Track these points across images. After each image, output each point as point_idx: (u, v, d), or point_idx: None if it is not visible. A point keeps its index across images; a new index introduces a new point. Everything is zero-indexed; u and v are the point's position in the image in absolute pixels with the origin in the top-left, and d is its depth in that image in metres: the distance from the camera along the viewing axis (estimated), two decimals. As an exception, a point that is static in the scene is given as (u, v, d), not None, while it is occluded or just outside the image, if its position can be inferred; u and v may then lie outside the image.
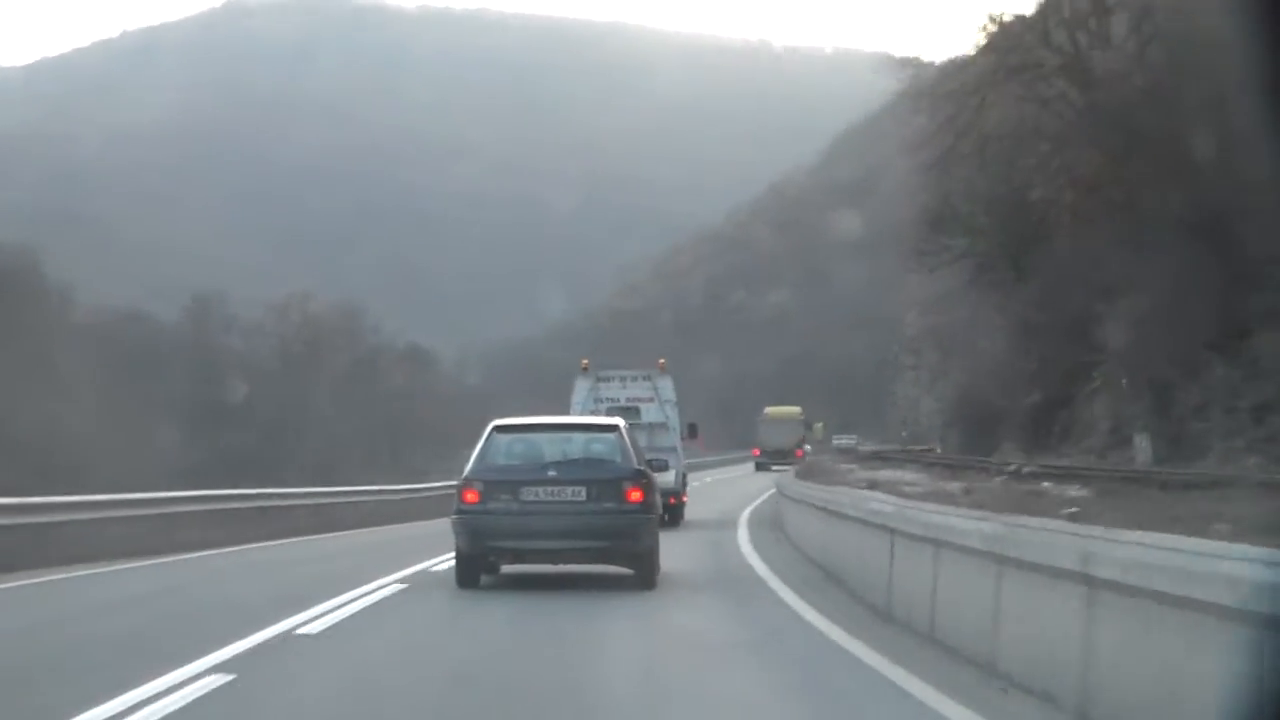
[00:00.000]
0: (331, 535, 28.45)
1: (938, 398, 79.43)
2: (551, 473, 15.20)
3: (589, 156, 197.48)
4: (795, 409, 73.51)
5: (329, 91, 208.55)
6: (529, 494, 14.98)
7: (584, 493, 15.02)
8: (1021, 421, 41.13)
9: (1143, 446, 30.33)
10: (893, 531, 12.40)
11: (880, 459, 44.44)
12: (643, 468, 15.70)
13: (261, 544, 24.90)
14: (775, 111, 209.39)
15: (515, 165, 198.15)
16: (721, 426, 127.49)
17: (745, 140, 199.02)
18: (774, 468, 64.52)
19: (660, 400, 29.73)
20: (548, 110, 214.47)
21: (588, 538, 15.05)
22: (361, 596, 14.42)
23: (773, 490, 42.42)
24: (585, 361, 31.21)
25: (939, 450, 54.57)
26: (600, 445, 15.84)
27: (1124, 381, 32.77)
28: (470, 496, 15.06)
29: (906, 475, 26.26)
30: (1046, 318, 38.32)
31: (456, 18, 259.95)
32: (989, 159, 41.84)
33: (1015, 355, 43.25)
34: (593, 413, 27.19)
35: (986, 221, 43.98)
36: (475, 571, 15.47)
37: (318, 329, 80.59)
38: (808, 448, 68.68)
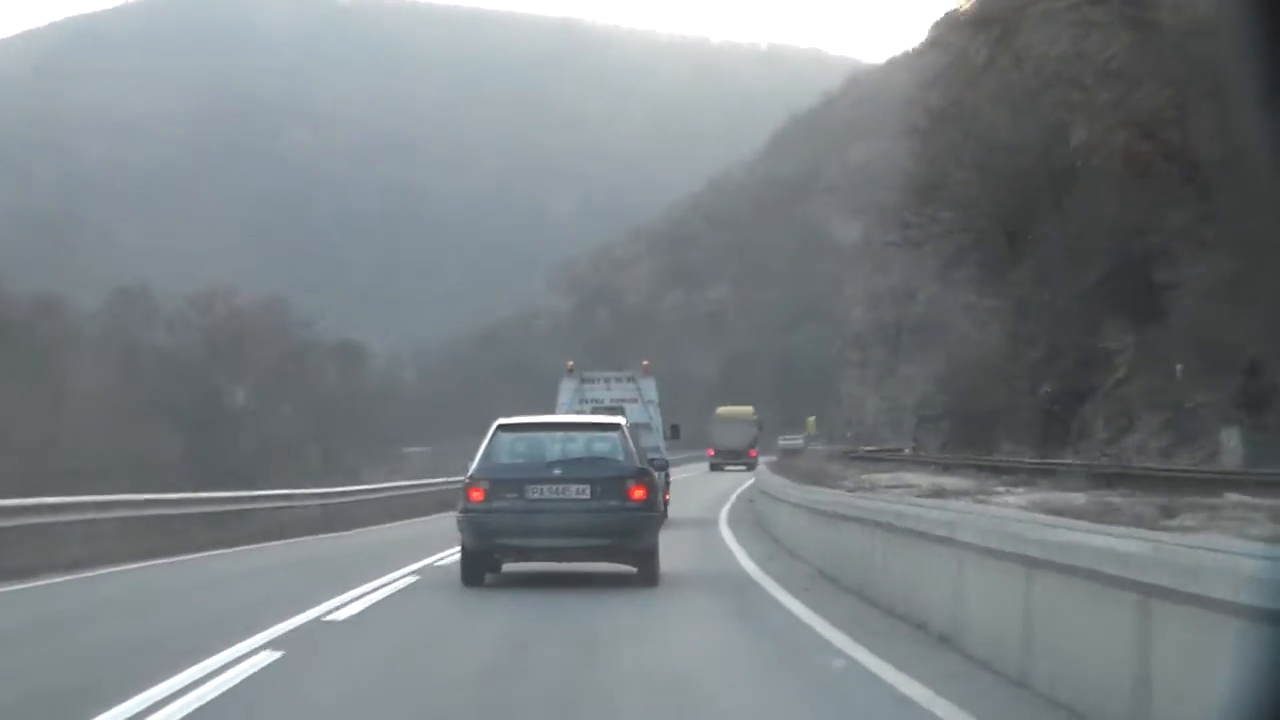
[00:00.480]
0: (290, 541, 26.43)
1: (884, 395, 77.77)
2: (556, 471, 15.40)
3: (530, 153, 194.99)
4: (748, 409, 71.75)
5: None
6: (534, 492, 15.20)
7: (588, 491, 15.20)
8: (1027, 417, 37.42)
9: (1231, 444, 26.34)
10: (1031, 563, 8.54)
11: (871, 460, 40.91)
12: (645, 466, 15.89)
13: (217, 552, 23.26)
14: (713, 108, 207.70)
15: (454, 160, 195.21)
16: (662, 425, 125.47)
17: (682, 136, 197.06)
18: (728, 468, 63.10)
19: (644, 401, 30.02)
20: (486, 106, 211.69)
21: (592, 535, 15.22)
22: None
23: (741, 490, 41.67)
24: (570, 363, 31.93)
25: (908, 451, 51.69)
26: (603, 444, 15.99)
27: (1179, 368, 28.50)
28: (476, 495, 15.28)
29: (943, 481, 23.37)
30: (1054, 297, 34.78)
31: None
32: (1018, 96, 37.21)
33: (1012, 343, 39.68)
34: (578, 413, 27.11)
35: (980, 190, 40.20)
36: (481, 569, 15.70)
37: (244, 322, 77.52)
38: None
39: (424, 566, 18.36)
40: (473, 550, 15.51)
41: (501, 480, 15.28)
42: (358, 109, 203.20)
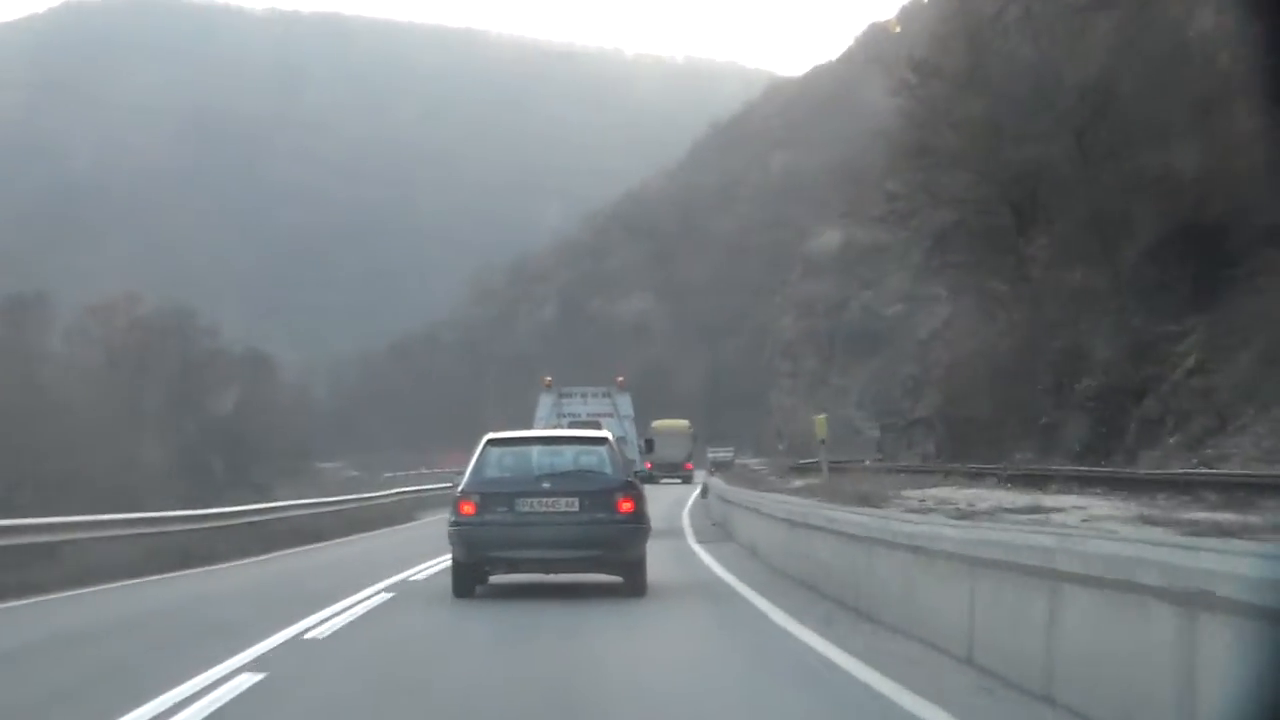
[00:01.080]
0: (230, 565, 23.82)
1: (816, 406, 75.12)
2: (545, 484, 15.56)
3: (448, 164, 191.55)
4: (683, 422, 69.83)
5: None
6: (524, 505, 15.39)
7: (577, 503, 15.39)
8: (1049, 419, 32.28)
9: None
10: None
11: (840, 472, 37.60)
12: (632, 479, 16.10)
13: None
14: (630, 121, 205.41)
15: (366, 171, 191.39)
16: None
17: (599, 148, 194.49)
18: (664, 481, 61.69)
19: (619, 415, 30.69)
20: (399, 116, 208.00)
21: (581, 547, 15.39)
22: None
23: (692, 501, 41.82)
24: (548, 379, 32.48)
25: (869, 462, 48.61)
26: (591, 457, 16.11)
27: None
28: (467, 508, 15.48)
29: (980, 493, 20.10)
30: (1085, 275, 29.99)
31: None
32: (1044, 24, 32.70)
33: (1024, 333, 34.80)
34: (556, 426, 27.78)
35: (984, 147, 35.36)
36: (471, 581, 15.90)
37: (146, 332, 73.54)
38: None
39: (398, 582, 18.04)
40: (464, 562, 15.73)
41: (492, 494, 15.51)
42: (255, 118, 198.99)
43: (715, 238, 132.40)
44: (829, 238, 79.99)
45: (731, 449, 78.18)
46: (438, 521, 33.08)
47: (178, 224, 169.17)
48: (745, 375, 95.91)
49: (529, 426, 27.85)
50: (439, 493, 47.25)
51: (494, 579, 16.44)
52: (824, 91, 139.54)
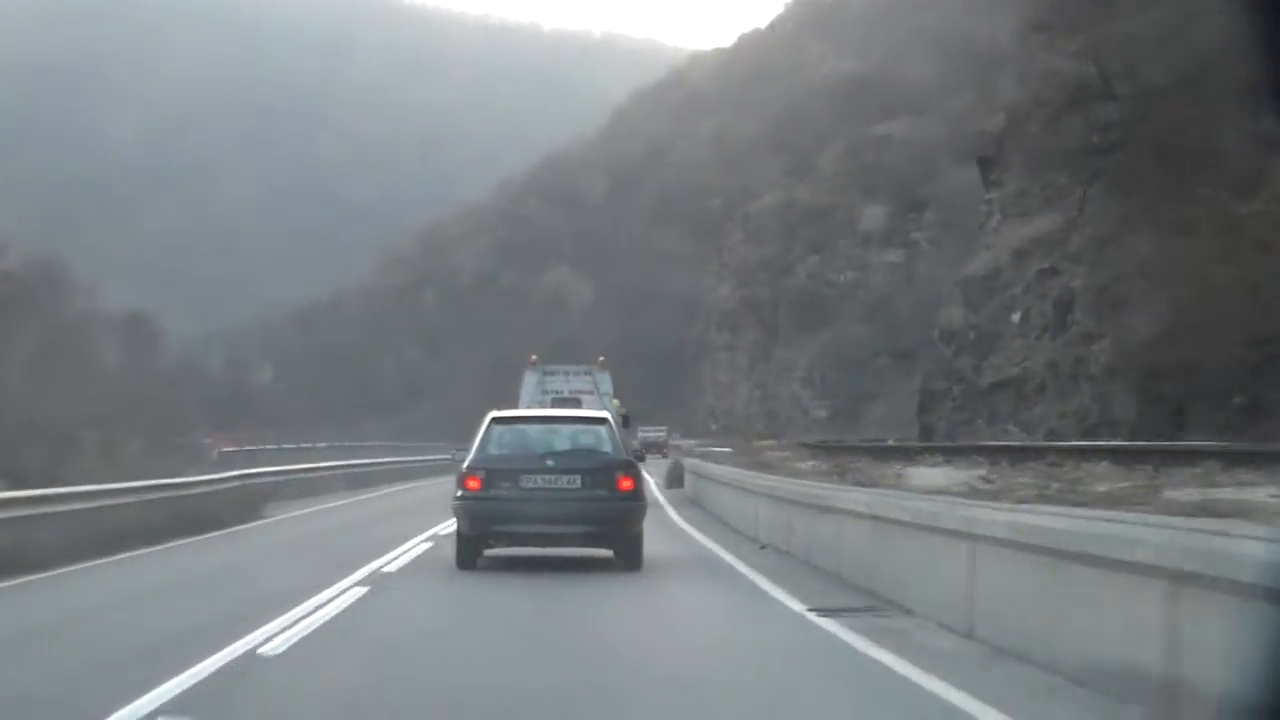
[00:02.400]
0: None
1: (757, 383, 68.09)
2: (549, 462, 16.24)
3: (352, 131, 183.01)
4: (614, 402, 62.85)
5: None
6: (528, 481, 16.09)
7: (579, 480, 16.15)
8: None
9: None
10: None
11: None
12: (630, 458, 16.92)
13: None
14: (547, 93, 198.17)
15: (266, 134, 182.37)
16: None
17: (516, 118, 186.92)
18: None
19: (599, 393, 31.17)
20: (302, 81, 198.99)
21: (582, 522, 16.12)
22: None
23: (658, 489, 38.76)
24: (534, 356, 33.29)
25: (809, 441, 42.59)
26: (591, 436, 16.91)
27: None
28: (473, 483, 16.15)
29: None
30: None
31: None
32: None
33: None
34: (539, 404, 28.82)
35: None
36: (475, 553, 16.49)
37: (11, 286, 65.05)
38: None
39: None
40: (469, 535, 16.36)
41: (497, 470, 16.18)
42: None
43: (639, 206, 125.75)
44: (769, 199, 73.64)
45: (664, 429, 71.37)
46: (294, 522, 27.89)
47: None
48: (673, 350, 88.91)
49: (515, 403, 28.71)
50: (302, 476, 39.84)
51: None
52: (753, 59, 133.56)
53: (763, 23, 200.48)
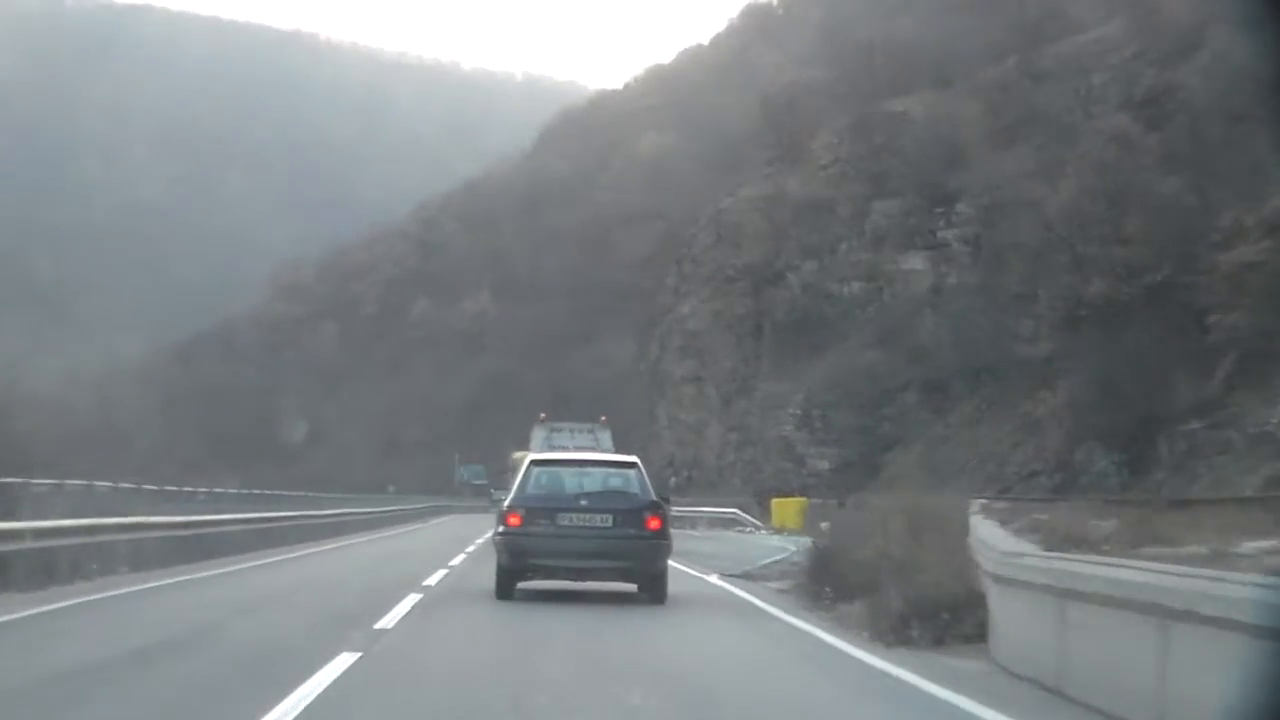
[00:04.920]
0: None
1: (731, 426, 53.91)
2: (583, 502, 17.41)
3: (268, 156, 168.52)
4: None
5: None
6: (564, 519, 17.16)
7: (610, 520, 17.18)
8: None
9: None
10: None
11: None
12: (658, 500, 17.85)
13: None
14: (471, 127, 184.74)
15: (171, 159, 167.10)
16: (398, 464, 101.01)
17: (431, 147, 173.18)
18: None
19: (600, 449, 32.42)
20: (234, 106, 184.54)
21: (613, 558, 17.17)
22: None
23: None
24: (543, 415, 37.17)
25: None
26: (620, 479, 17.99)
27: None
28: (514, 520, 17.28)
29: None
30: None
31: None
32: None
33: None
34: None
35: None
36: (513, 584, 17.45)
37: None
38: None
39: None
40: (509, 568, 17.38)
41: (536, 509, 17.26)
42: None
43: (568, 231, 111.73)
44: (750, 193, 59.90)
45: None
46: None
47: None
48: (618, 387, 74.52)
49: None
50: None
51: None
52: (695, 75, 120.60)
53: (704, 39, 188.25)
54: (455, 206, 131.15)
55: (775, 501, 47.13)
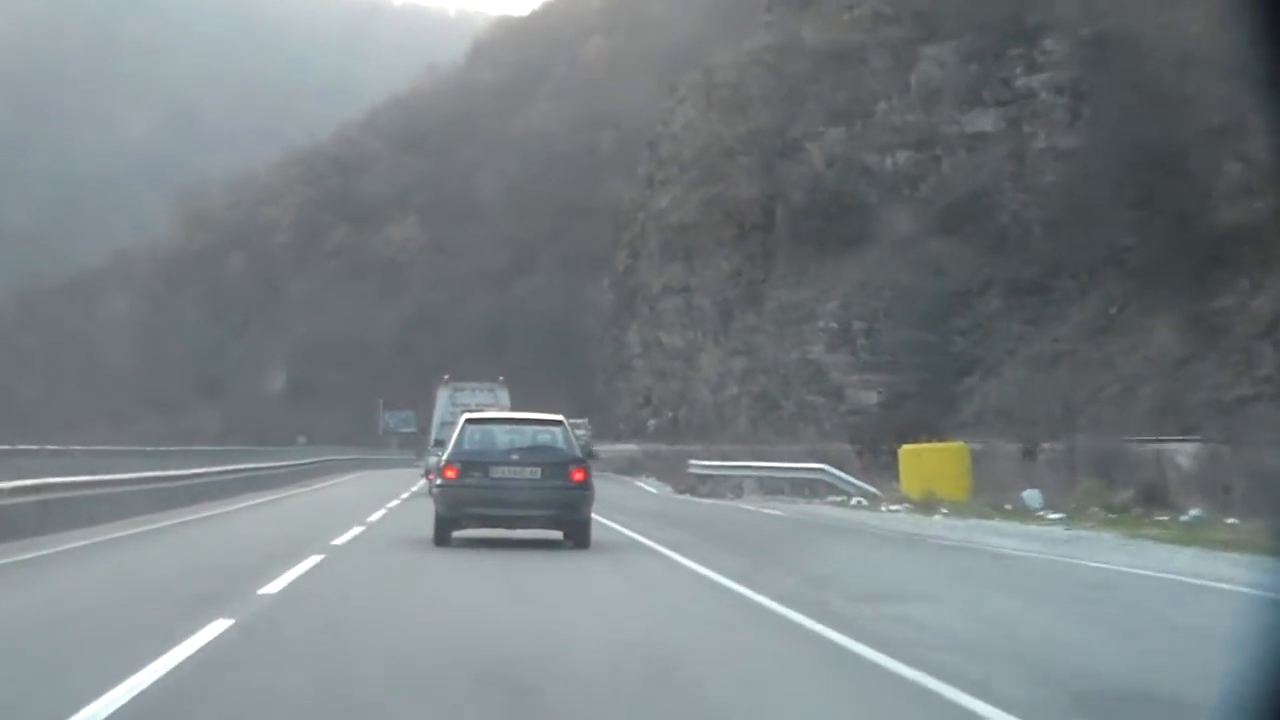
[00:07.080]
0: None
1: (721, 369, 40.80)
2: (514, 456, 18.40)
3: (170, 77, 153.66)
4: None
5: None
6: (497, 472, 18.21)
7: (539, 472, 18.16)
8: None
9: None
10: None
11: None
12: (581, 455, 18.92)
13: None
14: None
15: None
16: (314, 412, 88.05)
17: (350, 65, 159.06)
18: None
19: (499, 407, 33.21)
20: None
21: (541, 507, 18.20)
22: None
23: None
24: (446, 376, 38.66)
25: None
26: (548, 435, 18.88)
27: None
28: (450, 473, 18.36)
29: None
30: None
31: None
32: None
33: None
34: (453, 416, 29.93)
35: None
36: (450, 531, 18.40)
37: None
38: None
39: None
40: (446, 516, 18.35)
41: (471, 462, 18.29)
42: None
43: (509, 146, 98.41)
44: (753, 43, 46.56)
45: (584, 422, 43.51)
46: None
47: None
48: (574, 314, 61.09)
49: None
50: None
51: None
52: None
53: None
54: (379, 124, 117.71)
55: (907, 451, 29.41)
